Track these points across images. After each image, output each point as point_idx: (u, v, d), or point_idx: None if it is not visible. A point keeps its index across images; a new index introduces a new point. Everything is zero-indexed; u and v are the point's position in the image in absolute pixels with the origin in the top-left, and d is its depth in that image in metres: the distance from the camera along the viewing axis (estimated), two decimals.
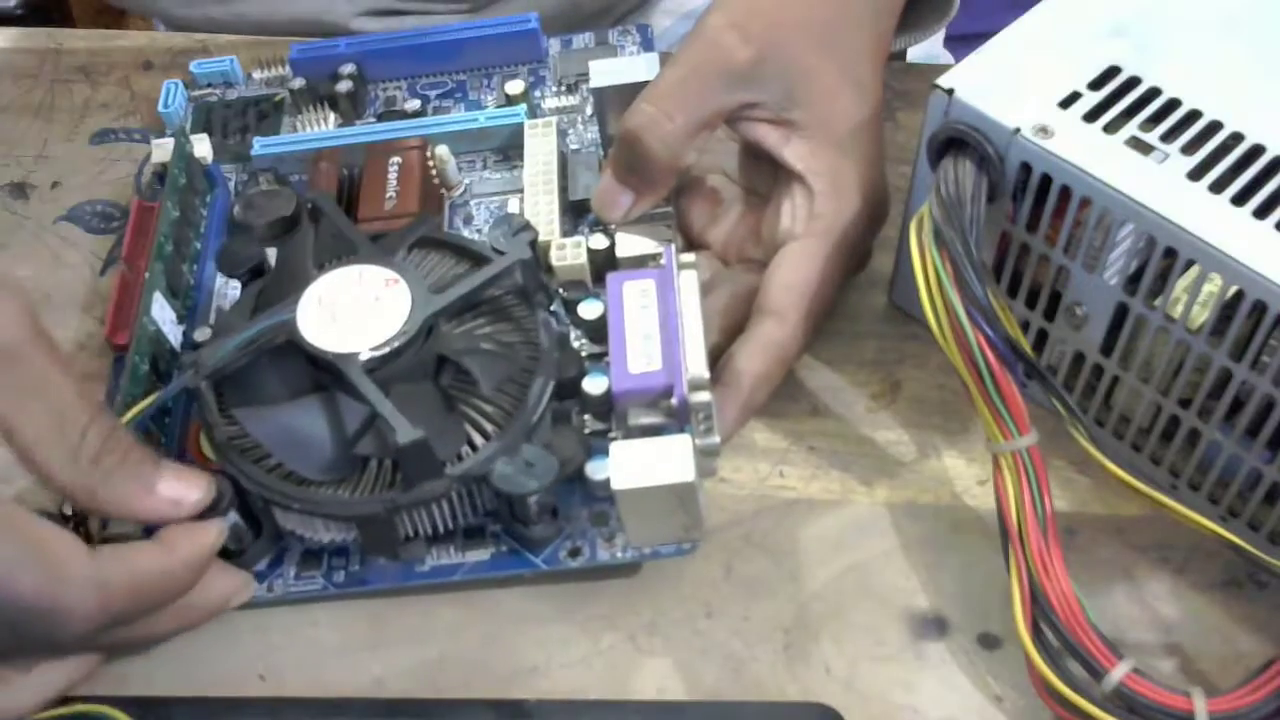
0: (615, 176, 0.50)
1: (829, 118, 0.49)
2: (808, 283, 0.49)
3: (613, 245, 0.50)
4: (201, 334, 0.51)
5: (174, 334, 0.51)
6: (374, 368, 0.44)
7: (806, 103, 0.49)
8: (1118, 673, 0.40)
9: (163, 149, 0.55)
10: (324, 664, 0.46)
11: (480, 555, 0.46)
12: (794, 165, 0.49)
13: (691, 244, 0.54)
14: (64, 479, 0.41)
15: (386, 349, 0.44)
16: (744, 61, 0.48)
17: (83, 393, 0.41)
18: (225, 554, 0.45)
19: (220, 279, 0.55)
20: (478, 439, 0.44)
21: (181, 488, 0.43)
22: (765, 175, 0.52)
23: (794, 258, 0.49)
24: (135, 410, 0.45)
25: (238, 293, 0.53)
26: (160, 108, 0.60)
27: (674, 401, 0.42)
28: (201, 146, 0.57)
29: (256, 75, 0.62)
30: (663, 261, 0.46)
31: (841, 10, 0.50)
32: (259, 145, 0.57)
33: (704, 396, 0.42)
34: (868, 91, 0.50)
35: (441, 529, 0.46)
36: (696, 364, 0.43)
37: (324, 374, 0.44)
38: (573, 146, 0.58)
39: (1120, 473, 0.42)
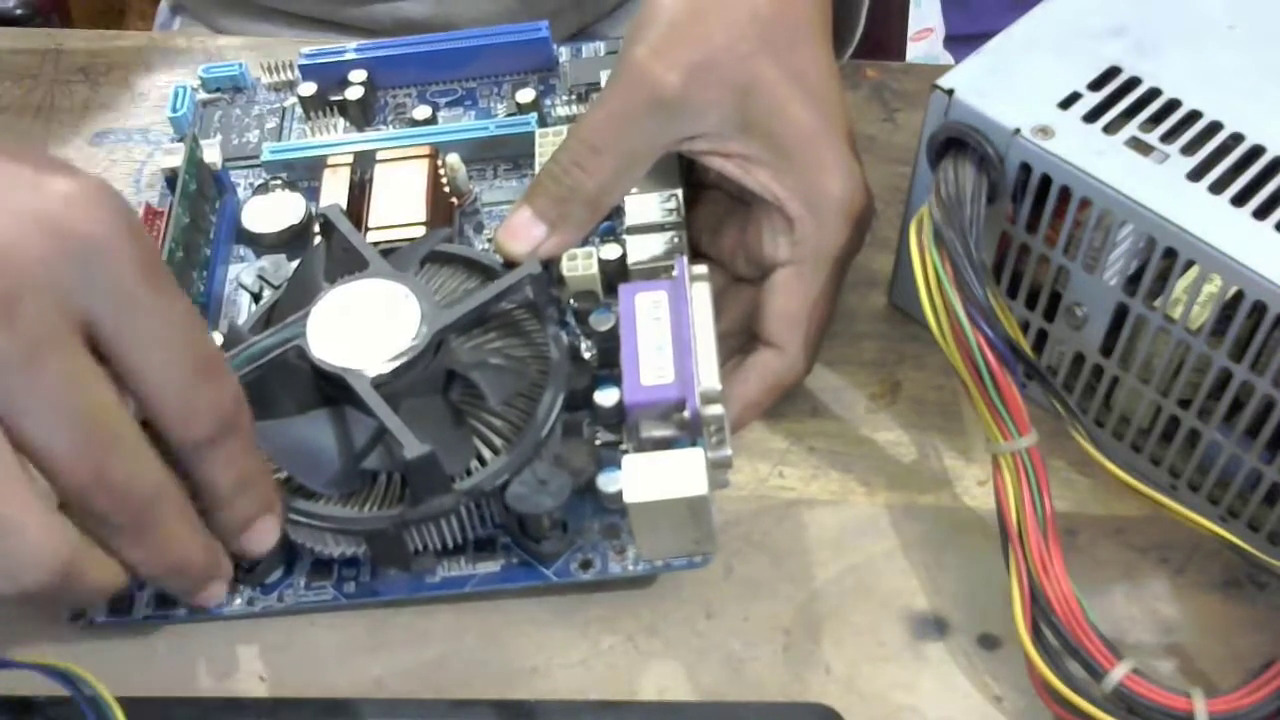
0: (533, 209, 0.48)
1: (779, 136, 0.47)
2: (803, 309, 0.48)
3: (624, 256, 0.50)
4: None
5: None
6: (383, 383, 0.43)
7: (750, 124, 0.46)
8: (1118, 673, 0.40)
9: (173, 154, 0.56)
10: (324, 664, 0.46)
11: (491, 567, 0.46)
12: (762, 194, 0.48)
13: (696, 255, 0.53)
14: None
15: (395, 364, 0.44)
16: (672, 87, 0.45)
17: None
18: (238, 567, 0.45)
19: (230, 285, 0.55)
20: (486, 453, 0.44)
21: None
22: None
23: (786, 285, 0.48)
24: None
25: (247, 299, 0.54)
26: (169, 112, 0.60)
27: (686, 414, 0.42)
28: (211, 152, 0.57)
29: (266, 80, 0.62)
30: (674, 273, 0.45)
31: (775, 20, 0.47)
32: (269, 151, 0.57)
33: (716, 409, 0.42)
34: (818, 98, 0.47)
35: (451, 543, 0.46)
36: (709, 376, 0.43)
37: (333, 389, 0.44)
38: None
39: (1120, 473, 0.42)
